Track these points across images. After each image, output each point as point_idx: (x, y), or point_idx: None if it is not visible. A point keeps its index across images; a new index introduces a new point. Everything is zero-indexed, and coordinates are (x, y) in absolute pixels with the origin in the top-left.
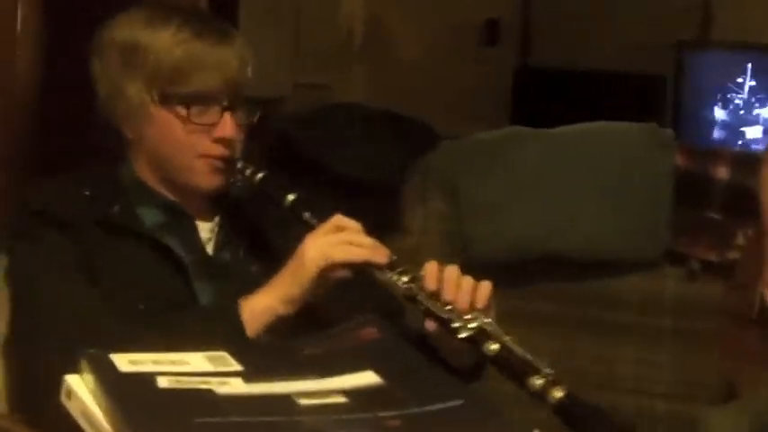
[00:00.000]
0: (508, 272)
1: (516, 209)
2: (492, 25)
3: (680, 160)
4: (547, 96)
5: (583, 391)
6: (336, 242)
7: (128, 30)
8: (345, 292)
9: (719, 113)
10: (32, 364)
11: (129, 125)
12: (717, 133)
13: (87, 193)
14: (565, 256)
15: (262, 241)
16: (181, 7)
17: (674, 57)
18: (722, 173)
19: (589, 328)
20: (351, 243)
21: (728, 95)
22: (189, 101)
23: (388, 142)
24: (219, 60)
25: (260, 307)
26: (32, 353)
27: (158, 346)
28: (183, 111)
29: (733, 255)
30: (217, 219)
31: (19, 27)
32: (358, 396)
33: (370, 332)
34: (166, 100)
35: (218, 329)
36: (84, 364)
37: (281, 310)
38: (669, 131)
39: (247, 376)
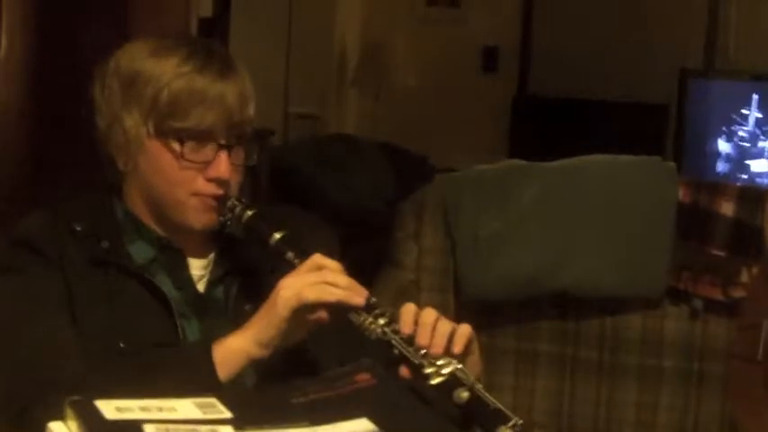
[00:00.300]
0: (503, 310)
1: (512, 245)
2: (490, 53)
3: (683, 194)
4: (546, 126)
5: None
6: (311, 282)
7: (132, 59)
8: (336, 336)
9: (723, 146)
10: (6, 404)
11: (123, 157)
12: (721, 166)
13: (78, 228)
14: (562, 294)
15: (255, 280)
16: (190, 38)
17: (677, 86)
18: (726, 208)
19: (588, 369)
20: (326, 283)
21: (733, 127)
22: (184, 136)
23: (382, 174)
24: (218, 96)
25: (233, 349)
26: (6, 393)
27: (128, 390)
28: (177, 146)
29: (737, 293)
30: (211, 256)
31: (3, 54)
32: None
33: (365, 378)
34: (162, 133)
35: (189, 372)
36: (68, 410)
37: (255, 352)
38: (672, 164)
39: (237, 424)
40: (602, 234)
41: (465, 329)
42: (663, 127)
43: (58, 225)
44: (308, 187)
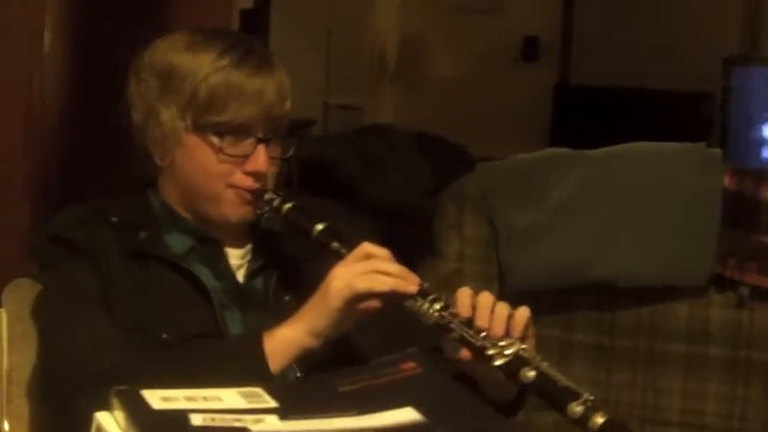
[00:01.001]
0: (547, 300)
1: (554, 234)
2: (531, 42)
3: (728, 181)
4: (587, 115)
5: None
6: (362, 271)
7: (168, 53)
8: (377, 325)
9: None
10: (53, 397)
11: (159, 151)
12: (766, 153)
13: (114, 219)
14: (606, 283)
15: (295, 271)
16: (226, 32)
17: (721, 73)
18: None
19: (632, 359)
20: (377, 272)
21: None
22: (223, 130)
23: (422, 165)
24: (257, 90)
25: (285, 340)
26: (53, 387)
27: (176, 381)
28: (215, 140)
29: None
30: (249, 246)
31: (46, 46)
32: None
33: (410, 367)
34: (200, 128)
35: (240, 363)
36: (114, 400)
37: (308, 342)
38: (717, 151)
39: (283, 413)
40: (646, 223)
41: (524, 312)
42: (707, 115)
43: (92, 219)
44: (345, 178)
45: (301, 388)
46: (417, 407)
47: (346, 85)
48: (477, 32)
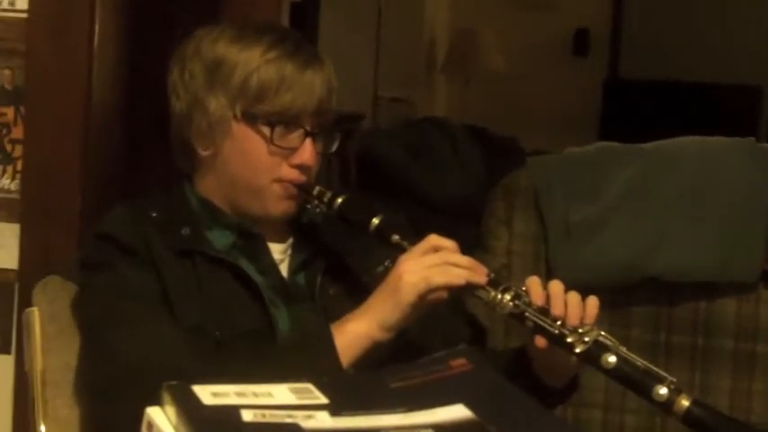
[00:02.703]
0: (596, 295)
1: (605, 229)
2: (582, 36)
3: None
4: (636, 109)
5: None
6: (435, 264)
7: (215, 44)
8: (439, 315)
9: None
10: (111, 398)
11: (204, 141)
12: None
13: (154, 215)
14: (656, 279)
15: (337, 264)
16: (272, 26)
17: None
18: None
19: (682, 355)
20: (450, 264)
21: None
22: (274, 120)
23: (477, 159)
24: (309, 83)
25: (356, 334)
26: (110, 389)
27: (243, 380)
28: (266, 130)
29: None
30: (289, 241)
31: (96, 42)
32: (448, 431)
33: (461, 363)
34: (251, 118)
35: (312, 359)
36: (165, 395)
37: (379, 336)
38: (766, 146)
39: (333, 409)
40: (695, 218)
41: (594, 300)
42: (756, 108)
43: (138, 219)
44: (396, 173)
45: (352, 384)
46: (468, 404)
47: (396, 79)
48: (527, 26)
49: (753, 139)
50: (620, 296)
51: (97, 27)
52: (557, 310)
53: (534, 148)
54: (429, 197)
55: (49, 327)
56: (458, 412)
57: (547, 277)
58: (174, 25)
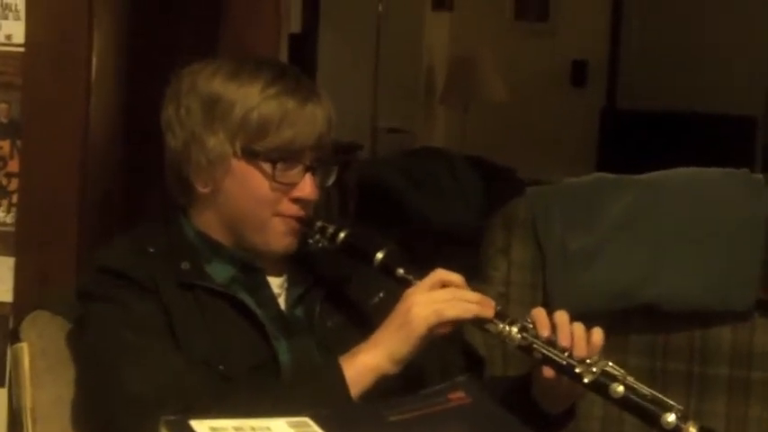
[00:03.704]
0: (592, 323)
1: (602, 258)
2: (579, 67)
3: None
4: (634, 139)
5: None
6: (446, 299)
7: (212, 80)
8: (438, 346)
9: None
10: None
11: (203, 178)
12: None
13: (151, 250)
14: (652, 308)
15: (334, 296)
16: (269, 61)
17: (765, 98)
18: None
19: (678, 382)
20: (460, 299)
21: None
22: (275, 157)
23: (471, 188)
24: (310, 118)
25: (366, 366)
26: (114, 421)
27: (253, 414)
28: (267, 167)
29: None
30: (286, 274)
31: (94, 73)
32: None
33: (459, 396)
34: (251, 154)
35: (322, 392)
36: (163, 430)
37: (389, 368)
38: (760, 177)
39: None
40: (691, 247)
41: (599, 331)
42: (751, 138)
43: (139, 250)
44: (397, 202)
45: (350, 417)
46: None
47: (394, 109)
48: (525, 56)
49: (747, 170)
50: (617, 323)
51: (95, 60)
52: (564, 341)
53: (532, 177)
54: (429, 225)
55: (39, 361)
56: None
57: (544, 306)
58: (173, 56)
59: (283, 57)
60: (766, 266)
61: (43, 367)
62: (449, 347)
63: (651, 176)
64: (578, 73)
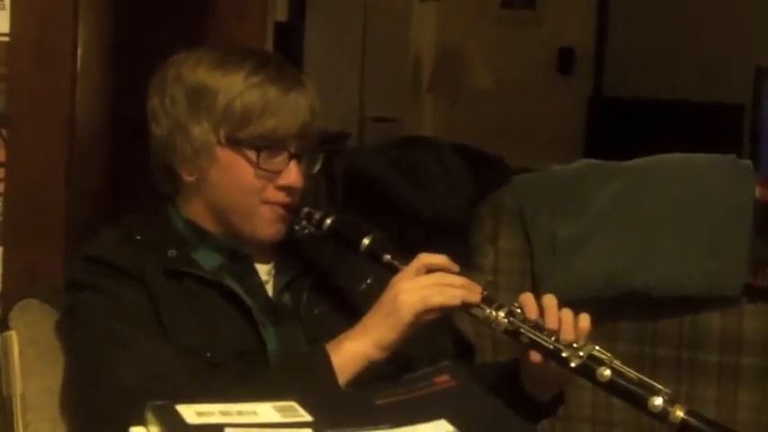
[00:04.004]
0: (582, 310)
1: (590, 245)
2: (566, 54)
3: (759, 192)
4: (621, 126)
5: None
6: (432, 285)
7: (196, 69)
8: (427, 331)
9: None
10: (103, 424)
11: (188, 167)
12: None
13: (139, 237)
14: (640, 294)
15: (322, 283)
16: (252, 50)
17: (752, 85)
18: None
19: (667, 368)
20: (446, 285)
21: None
22: (260, 144)
23: (460, 176)
24: (293, 106)
25: (353, 353)
26: (104, 410)
27: (241, 400)
28: (252, 154)
29: None
30: (273, 261)
31: (79, 65)
32: None
33: (444, 380)
34: (236, 142)
35: (309, 379)
36: (149, 415)
37: (376, 355)
38: (747, 162)
39: (318, 427)
40: (678, 233)
41: (586, 316)
42: (738, 126)
43: (127, 239)
44: (385, 190)
45: (336, 402)
46: (451, 420)
47: (382, 98)
48: (512, 44)
49: (734, 156)
50: (606, 310)
51: (80, 49)
52: (551, 324)
53: (519, 166)
54: (417, 213)
55: (29, 350)
56: (440, 428)
57: (533, 293)
58: (159, 46)
59: (269, 46)
60: (754, 252)
61: (33, 356)
62: (439, 335)
63: (638, 163)
64: (565, 61)
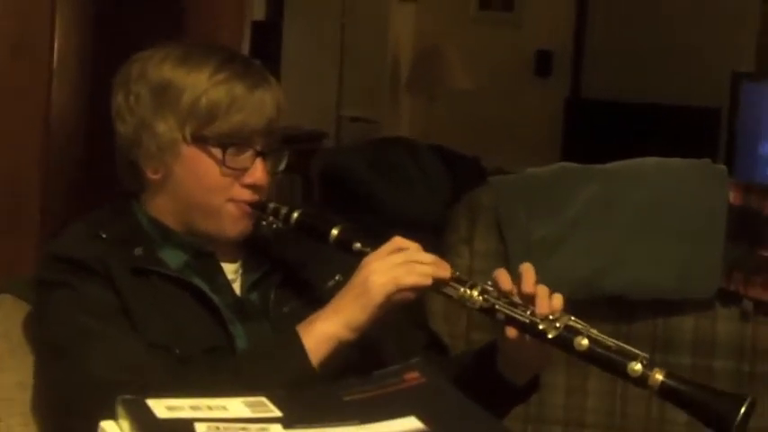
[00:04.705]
0: None
1: (565, 248)
2: (544, 57)
3: (733, 197)
4: (598, 129)
5: None
6: (400, 263)
7: (161, 66)
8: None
9: None
10: (74, 419)
11: (153, 164)
12: None
13: (104, 235)
14: (614, 297)
15: (290, 281)
16: (218, 47)
17: (728, 89)
18: None
19: None
20: (415, 262)
21: None
22: (225, 142)
23: (436, 177)
24: (259, 103)
25: (324, 334)
26: (75, 406)
27: (216, 389)
28: (217, 152)
29: None
30: (240, 260)
31: (56, 57)
32: None
33: (414, 377)
34: (201, 140)
35: (283, 361)
36: (120, 409)
37: (347, 336)
38: (722, 167)
39: (287, 422)
40: (653, 237)
41: (559, 295)
42: (714, 130)
43: (93, 236)
44: (361, 190)
45: (305, 397)
46: (420, 416)
47: (359, 98)
48: (490, 46)
49: (709, 160)
50: (579, 313)
51: (57, 43)
52: (527, 288)
53: (496, 167)
54: (393, 213)
55: (2, 345)
56: (410, 424)
57: None
58: (136, 42)
59: (246, 44)
60: (727, 256)
61: (5, 350)
62: (409, 329)
63: (615, 166)
64: (543, 63)
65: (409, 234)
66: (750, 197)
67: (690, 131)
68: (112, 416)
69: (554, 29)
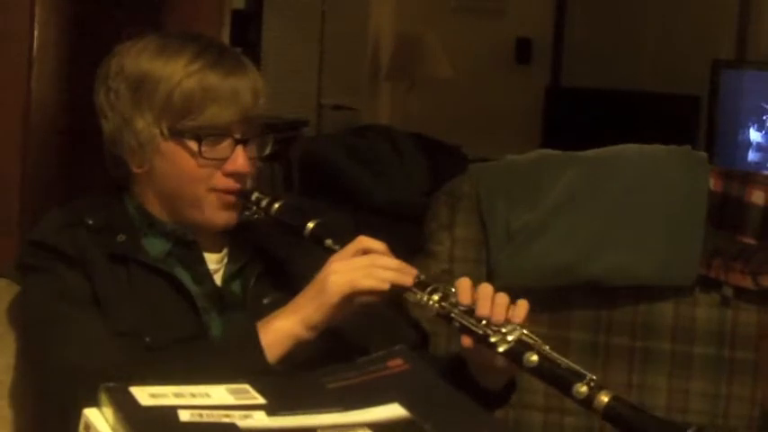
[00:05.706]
0: (536, 299)
1: (545, 234)
2: (524, 45)
3: (713, 183)
4: (578, 116)
5: None
6: (361, 266)
7: (139, 59)
8: (376, 317)
9: (755, 135)
10: (49, 399)
11: (136, 159)
12: (752, 155)
13: (90, 222)
14: (595, 283)
15: (273, 273)
16: (195, 36)
17: (708, 76)
18: (757, 197)
19: (620, 356)
20: (376, 267)
21: (764, 117)
22: (201, 134)
23: (416, 165)
24: (233, 91)
25: (282, 331)
26: (51, 386)
27: (174, 379)
28: (194, 145)
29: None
30: (225, 250)
31: (35, 47)
32: (383, 429)
33: (398, 364)
34: (177, 133)
35: (239, 356)
36: (103, 397)
37: (304, 334)
38: (702, 154)
39: (270, 409)
40: (633, 223)
41: (524, 302)
42: (695, 117)
43: (72, 223)
44: (341, 178)
45: (289, 384)
46: (404, 403)
47: (340, 86)
48: (471, 34)
49: (689, 146)
50: (561, 299)
51: (36, 33)
52: (482, 310)
53: (477, 155)
54: (372, 201)
55: None
56: (393, 411)
57: (488, 281)
58: (116, 32)
59: (226, 33)
60: (707, 242)
61: None
62: (395, 322)
63: (595, 153)
64: (523, 51)
65: (388, 221)
66: (730, 184)
67: (670, 119)
68: (81, 400)
69: (534, 17)
